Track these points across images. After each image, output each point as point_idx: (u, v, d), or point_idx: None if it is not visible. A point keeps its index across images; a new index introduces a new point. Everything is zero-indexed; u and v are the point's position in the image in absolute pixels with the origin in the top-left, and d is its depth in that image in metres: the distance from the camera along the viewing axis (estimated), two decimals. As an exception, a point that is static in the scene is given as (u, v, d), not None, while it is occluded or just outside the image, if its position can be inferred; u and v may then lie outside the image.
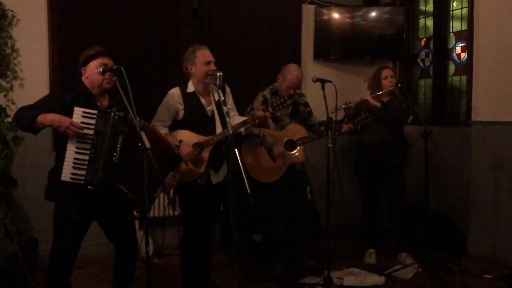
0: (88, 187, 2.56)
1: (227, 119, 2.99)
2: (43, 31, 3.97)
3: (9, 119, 3.02)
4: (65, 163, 2.53)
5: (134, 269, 2.91)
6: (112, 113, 2.60)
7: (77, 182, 2.54)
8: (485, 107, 4.29)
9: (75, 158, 2.53)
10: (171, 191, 3.34)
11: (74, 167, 2.52)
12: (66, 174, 2.52)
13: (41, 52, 3.97)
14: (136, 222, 3.09)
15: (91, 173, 2.54)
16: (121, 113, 2.62)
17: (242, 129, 3.31)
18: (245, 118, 3.32)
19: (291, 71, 3.72)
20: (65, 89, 2.76)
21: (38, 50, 3.96)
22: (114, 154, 2.59)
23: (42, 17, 3.96)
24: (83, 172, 2.53)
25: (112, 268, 2.97)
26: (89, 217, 2.78)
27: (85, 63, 2.76)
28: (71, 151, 2.53)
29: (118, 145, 2.59)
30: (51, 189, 2.74)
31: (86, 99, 2.70)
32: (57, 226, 2.75)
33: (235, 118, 3.35)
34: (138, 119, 2.53)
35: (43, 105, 2.63)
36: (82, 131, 2.53)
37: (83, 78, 2.78)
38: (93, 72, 2.72)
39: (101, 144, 2.57)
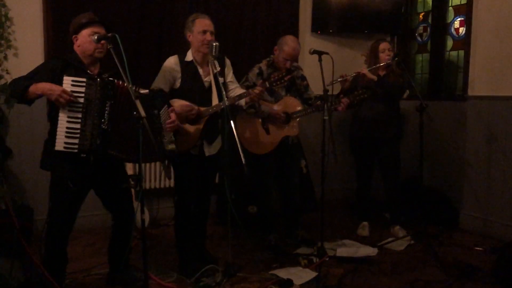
0: (81, 155, 2.57)
1: (223, 91, 2.99)
2: (38, 10, 3.90)
3: (3, 82, 2.99)
4: (57, 132, 2.55)
5: (130, 238, 2.95)
6: (98, 80, 2.59)
7: (71, 150, 2.55)
8: (481, 82, 4.29)
9: (67, 128, 2.55)
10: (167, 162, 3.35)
11: (67, 136, 2.54)
12: (60, 144, 2.54)
13: (36, 21, 3.92)
14: (133, 192, 3.09)
15: (83, 141, 2.55)
16: (106, 78, 2.62)
17: (243, 102, 3.29)
18: (243, 91, 3.31)
19: (288, 43, 3.69)
20: (56, 59, 2.75)
21: (32, 19, 3.90)
22: (102, 120, 2.59)
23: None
24: (76, 141, 2.54)
25: (108, 238, 3.00)
26: (85, 186, 2.80)
27: (77, 31, 2.73)
28: (63, 120, 2.55)
29: (106, 112, 2.60)
30: (46, 158, 2.76)
31: (76, 67, 2.69)
32: (54, 195, 2.77)
33: (236, 91, 3.33)
34: (117, 82, 2.56)
35: (34, 75, 2.63)
36: (74, 99, 2.53)
37: (75, 47, 2.76)
38: (85, 40, 2.70)
39: (90, 112, 2.57)
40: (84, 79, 2.57)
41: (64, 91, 2.50)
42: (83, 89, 2.56)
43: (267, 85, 3.23)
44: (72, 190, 2.69)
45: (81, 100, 2.56)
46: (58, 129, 2.55)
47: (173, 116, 2.86)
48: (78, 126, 2.55)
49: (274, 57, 3.80)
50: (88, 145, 2.56)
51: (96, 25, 2.72)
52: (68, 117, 2.54)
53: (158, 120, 2.76)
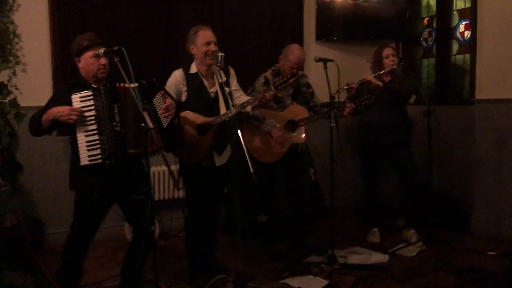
0: (106, 162, 2.64)
1: (230, 100, 3.00)
2: (45, 15, 3.96)
3: (12, 96, 3.04)
4: (79, 148, 2.64)
5: (143, 250, 2.93)
6: (101, 88, 2.67)
7: (96, 162, 2.63)
8: (488, 85, 4.27)
9: (86, 142, 2.63)
10: (175, 171, 3.36)
11: (88, 149, 2.63)
12: (84, 158, 2.63)
13: (43, 37, 3.97)
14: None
15: (103, 149, 2.63)
16: (107, 84, 2.70)
17: (249, 108, 3.31)
18: (249, 97, 3.32)
19: (293, 51, 3.71)
20: (63, 85, 2.87)
21: (39, 35, 3.95)
22: (115, 123, 2.67)
23: (43, 1, 3.95)
24: (98, 151, 2.63)
25: (117, 250, 3.00)
26: (109, 198, 2.83)
27: (79, 54, 2.78)
28: (81, 135, 2.64)
29: (116, 115, 2.68)
30: (72, 177, 2.82)
31: (82, 85, 2.76)
32: (78, 209, 2.82)
33: (241, 99, 3.35)
34: (119, 84, 2.68)
35: (47, 107, 2.72)
36: (83, 114, 2.61)
37: (79, 69, 2.83)
38: (87, 62, 2.76)
39: (103, 120, 2.65)
40: (90, 92, 2.65)
41: (72, 109, 2.59)
42: (92, 102, 2.64)
43: (273, 90, 3.24)
44: (97, 204, 2.75)
45: (93, 112, 2.64)
46: (79, 145, 2.64)
47: (168, 101, 2.85)
48: (96, 137, 2.64)
49: (279, 65, 3.81)
50: (108, 150, 2.64)
51: (98, 47, 2.75)
52: (85, 131, 2.64)
53: (154, 110, 2.79)
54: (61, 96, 2.74)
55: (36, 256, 3.21)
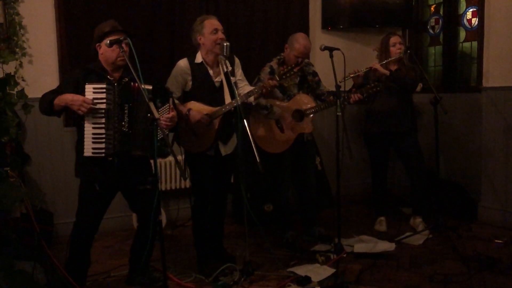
0: (108, 158, 2.67)
1: (235, 90, 3.01)
2: (50, 7, 3.96)
3: (19, 88, 3.05)
4: (85, 139, 2.66)
5: (149, 239, 2.96)
6: (116, 84, 2.68)
7: (98, 155, 2.65)
8: (496, 72, 4.23)
9: (93, 134, 2.65)
10: (182, 161, 3.37)
11: (93, 142, 2.65)
12: (88, 150, 2.65)
13: (49, 28, 3.97)
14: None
15: (108, 145, 2.65)
16: (124, 81, 2.70)
17: (252, 98, 3.30)
18: (253, 87, 3.32)
19: (298, 40, 3.69)
20: (79, 69, 2.84)
21: (45, 26, 3.96)
22: (123, 123, 2.68)
23: (49, 5, 3.95)
24: (103, 145, 2.65)
25: (125, 240, 3.03)
26: (112, 189, 2.87)
27: (100, 40, 2.79)
28: (88, 127, 2.66)
29: (126, 115, 2.69)
30: (77, 166, 2.85)
31: (98, 73, 2.76)
32: (82, 198, 2.85)
33: (245, 88, 3.34)
34: (127, 81, 2.66)
35: (60, 89, 2.75)
36: (95, 106, 2.62)
37: (99, 55, 2.84)
38: (107, 49, 2.75)
39: (112, 117, 2.67)
40: (104, 85, 2.66)
41: (85, 101, 2.60)
42: (104, 95, 2.66)
43: (277, 79, 3.24)
44: (99, 193, 2.78)
45: (103, 106, 2.65)
46: (85, 136, 2.66)
47: (173, 113, 2.82)
48: (103, 131, 2.65)
49: (285, 55, 3.80)
50: (112, 149, 2.66)
51: (119, 34, 2.75)
52: (93, 123, 2.65)
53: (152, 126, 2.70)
54: (75, 81, 2.74)
55: (45, 246, 3.25)
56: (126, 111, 2.70)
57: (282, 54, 3.83)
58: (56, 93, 2.70)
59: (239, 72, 3.39)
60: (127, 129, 2.70)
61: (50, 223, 3.88)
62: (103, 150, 2.65)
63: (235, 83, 3.15)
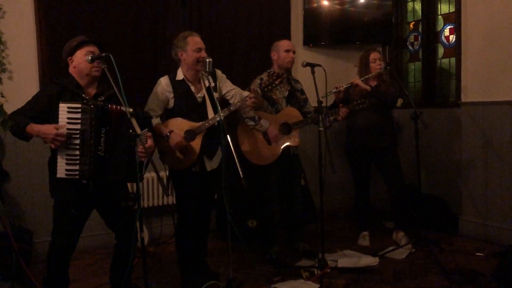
0: (82, 181, 2.58)
1: (218, 105, 3.01)
2: (31, 23, 3.93)
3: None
4: (58, 159, 2.56)
5: (131, 257, 2.92)
6: (92, 106, 2.59)
7: (72, 177, 2.57)
8: (474, 88, 4.33)
9: (67, 154, 2.56)
10: (164, 178, 3.36)
11: (67, 163, 2.55)
12: (61, 171, 2.56)
13: (29, 44, 3.94)
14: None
15: (83, 167, 2.56)
16: (100, 103, 2.62)
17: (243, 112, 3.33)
18: (247, 92, 3.35)
19: (280, 41, 3.83)
20: (53, 85, 2.76)
21: (26, 42, 3.92)
22: (99, 147, 2.60)
23: (29, 9, 3.93)
24: (77, 167, 2.56)
25: (108, 258, 2.97)
26: (87, 209, 2.80)
27: (71, 53, 2.74)
28: (62, 147, 2.55)
29: (102, 139, 2.61)
30: (51, 185, 2.76)
31: (72, 91, 2.70)
32: (56, 218, 2.76)
33: (236, 94, 3.36)
34: (111, 106, 2.58)
35: (32, 107, 2.65)
36: (67, 140, 2.53)
37: (70, 69, 2.77)
38: (80, 61, 2.71)
39: (87, 139, 2.58)
40: (79, 105, 2.58)
41: (58, 134, 2.50)
42: (79, 115, 2.57)
43: (259, 92, 3.26)
44: (75, 214, 2.70)
45: (78, 126, 2.56)
46: (58, 157, 2.56)
47: (150, 142, 2.74)
48: (77, 152, 2.56)
49: (274, 66, 3.85)
50: (87, 172, 2.57)
51: (90, 45, 2.73)
52: (67, 143, 2.54)
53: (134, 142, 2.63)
54: (49, 97, 2.65)
55: (23, 265, 3.18)
56: (102, 135, 2.61)
57: (272, 67, 3.87)
58: (27, 111, 2.61)
59: (225, 84, 3.40)
60: (103, 154, 2.61)
61: (29, 242, 3.80)
62: (77, 172, 2.56)
63: (217, 98, 3.16)
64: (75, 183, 2.60)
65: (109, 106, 2.63)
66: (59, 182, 2.63)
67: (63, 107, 2.56)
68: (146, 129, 2.69)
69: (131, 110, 2.50)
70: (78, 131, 2.56)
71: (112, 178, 2.66)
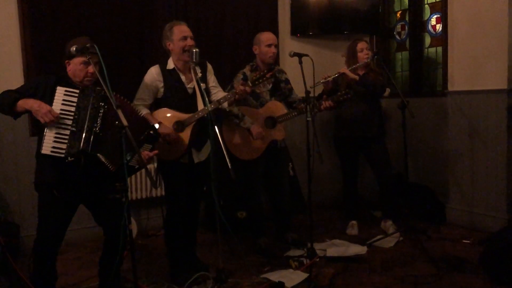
0: (69, 158, 2.55)
1: (206, 96, 2.99)
2: (14, 14, 3.86)
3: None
4: (45, 137, 2.54)
5: (118, 250, 2.91)
6: (95, 89, 2.64)
7: (57, 155, 2.54)
8: (460, 77, 4.35)
9: (56, 133, 2.55)
10: (152, 170, 3.35)
11: (55, 141, 2.54)
12: (47, 147, 2.54)
13: (13, 36, 3.87)
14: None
15: (72, 144, 2.56)
16: (102, 91, 2.63)
17: (225, 104, 3.29)
18: (226, 93, 3.31)
19: (261, 33, 3.80)
20: (50, 75, 2.75)
21: (9, 33, 3.86)
22: (95, 124, 2.61)
23: (13, 5, 3.86)
24: (64, 146, 2.55)
25: (95, 251, 2.96)
26: (74, 198, 2.76)
27: (70, 58, 2.73)
28: (52, 125, 2.53)
29: (99, 117, 2.63)
30: (36, 176, 2.73)
31: (68, 83, 2.69)
32: (42, 210, 2.73)
33: (219, 95, 3.33)
34: (115, 95, 2.56)
35: (27, 89, 2.64)
36: (58, 120, 2.53)
37: (67, 69, 2.76)
38: (76, 68, 2.71)
39: (83, 117, 2.60)
40: (77, 90, 2.61)
41: (50, 111, 2.50)
42: (75, 99, 2.60)
43: (250, 85, 3.24)
44: (60, 205, 2.66)
45: (73, 108, 2.58)
46: (46, 134, 2.54)
47: (147, 157, 2.79)
48: (67, 132, 2.56)
49: (257, 60, 3.82)
50: (78, 147, 2.56)
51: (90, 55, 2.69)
52: (58, 123, 2.54)
53: (139, 151, 2.65)
54: (45, 84, 2.64)
55: (10, 259, 3.15)
56: (100, 114, 2.63)
57: (254, 60, 3.85)
58: (20, 93, 2.59)
59: (212, 78, 3.37)
60: (99, 131, 2.61)
61: (16, 236, 3.78)
62: (64, 151, 2.54)
63: (206, 89, 3.13)
64: (59, 164, 2.58)
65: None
66: (43, 166, 2.63)
67: (60, 90, 2.59)
68: (150, 146, 2.80)
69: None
70: (72, 113, 2.57)
71: (101, 157, 2.62)
